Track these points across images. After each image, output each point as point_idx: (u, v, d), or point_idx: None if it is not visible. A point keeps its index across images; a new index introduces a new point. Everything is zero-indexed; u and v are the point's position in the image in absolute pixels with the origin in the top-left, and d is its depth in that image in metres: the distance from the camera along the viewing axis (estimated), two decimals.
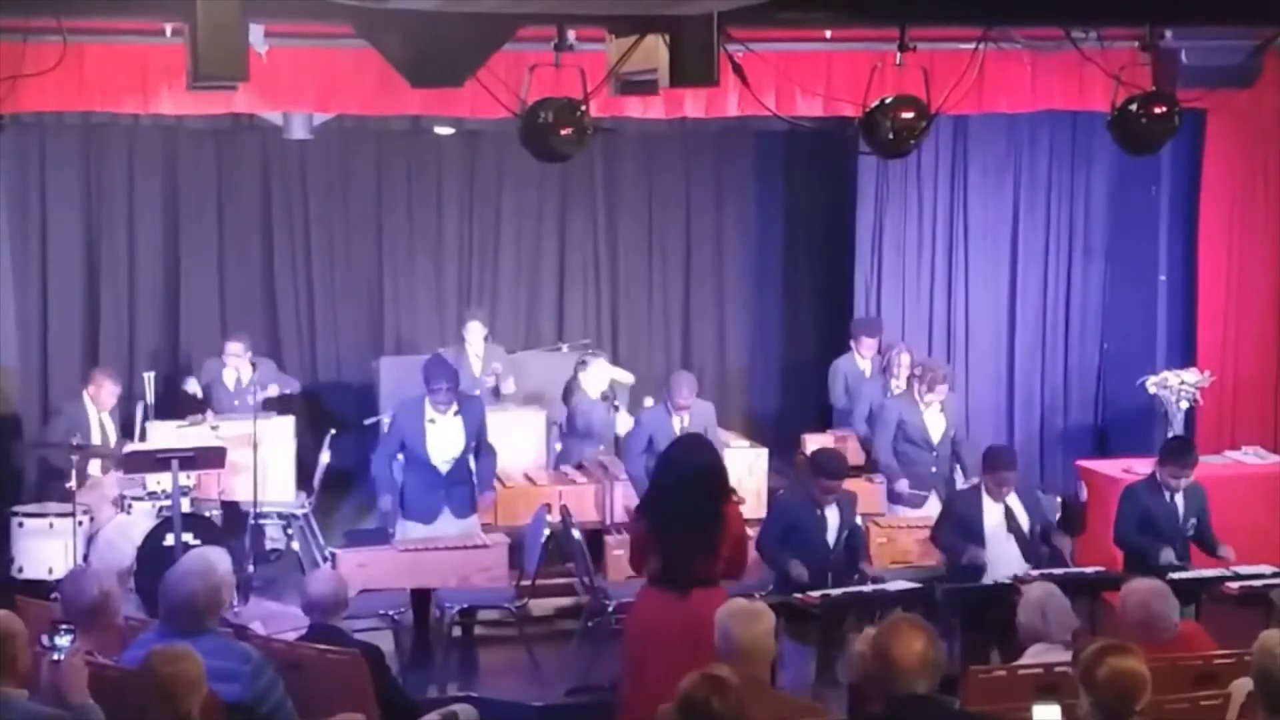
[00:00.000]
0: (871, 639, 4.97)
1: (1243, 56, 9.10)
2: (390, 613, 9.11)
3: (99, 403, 10.89)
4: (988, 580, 8.55)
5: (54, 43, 7.39)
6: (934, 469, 10.32)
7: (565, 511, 9.75)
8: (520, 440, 11.51)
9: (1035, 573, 8.31)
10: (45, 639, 5.00)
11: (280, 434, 11.32)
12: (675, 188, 14.31)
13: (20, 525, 10.09)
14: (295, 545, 10.90)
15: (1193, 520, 9.00)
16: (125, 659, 5.66)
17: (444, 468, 9.50)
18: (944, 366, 10.94)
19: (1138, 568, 8.42)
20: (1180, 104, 8.24)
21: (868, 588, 8.41)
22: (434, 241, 13.87)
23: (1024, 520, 8.86)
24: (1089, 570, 8.87)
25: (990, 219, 12.89)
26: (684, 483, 7.13)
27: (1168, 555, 8.75)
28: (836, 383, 12.15)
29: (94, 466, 10.62)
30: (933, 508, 9.94)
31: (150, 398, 11.51)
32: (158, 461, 9.85)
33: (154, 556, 9.46)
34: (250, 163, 13.36)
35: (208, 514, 10.26)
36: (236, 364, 11.60)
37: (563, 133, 7.24)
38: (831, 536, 8.60)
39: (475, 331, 11.99)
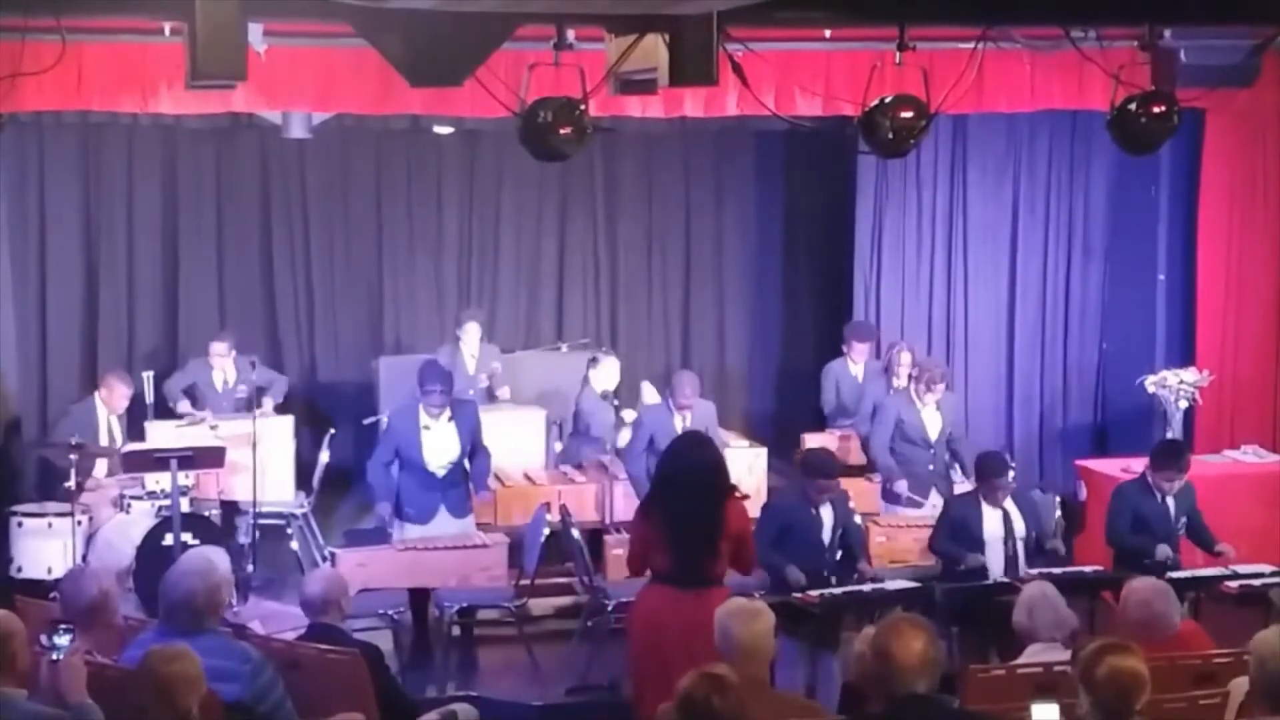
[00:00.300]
0: (871, 638, 4.97)
1: (1242, 56, 9.10)
2: (389, 612, 9.12)
3: (110, 405, 10.90)
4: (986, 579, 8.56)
5: (53, 42, 7.38)
6: (931, 467, 10.32)
7: (565, 511, 9.75)
8: (520, 440, 11.52)
9: (1034, 572, 8.32)
10: (44, 638, 5.01)
11: (279, 433, 11.32)
12: (675, 187, 14.31)
13: (19, 525, 10.09)
14: (294, 545, 10.90)
15: (1183, 519, 9.02)
16: (124, 658, 5.66)
17: (440, 472, 9.51)
18: (942, 366, 10.95)
19: (1130, 567, 8.43)
20: (1179, 103, 8.24)
21: (866, 587, 8.41)
22: (433, 241, 13.86)
23: (1020, 527, 8.86)
24: (1087, 570, 8.88)
25: (989, 218, 12.88)
26: (686, 480, 7.13)
27: (1164, 551, 8.76)
28: (828, 386, 12.15)
29: (100, 468, 10.62)
30: (931, 505, 9.95)
31: (150, 397, 11.51)
32: (157, 461, 9.85)
33: (153, 556, 9.45)
34: (249, 162, 13.36)
35: (207, 513, 10.26)
36: (222, 365, 11.57)
37: (562, 132, 7.25)
38: (826, 536, 8.60)
39: (472, 332, 11.99)
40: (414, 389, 10.33)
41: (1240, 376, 11.96)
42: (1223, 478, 10.68)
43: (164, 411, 11.55)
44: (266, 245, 13.55)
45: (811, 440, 11.58)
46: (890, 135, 7.83)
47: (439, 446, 9.48)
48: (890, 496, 10.42)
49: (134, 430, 11.26)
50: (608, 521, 10.43)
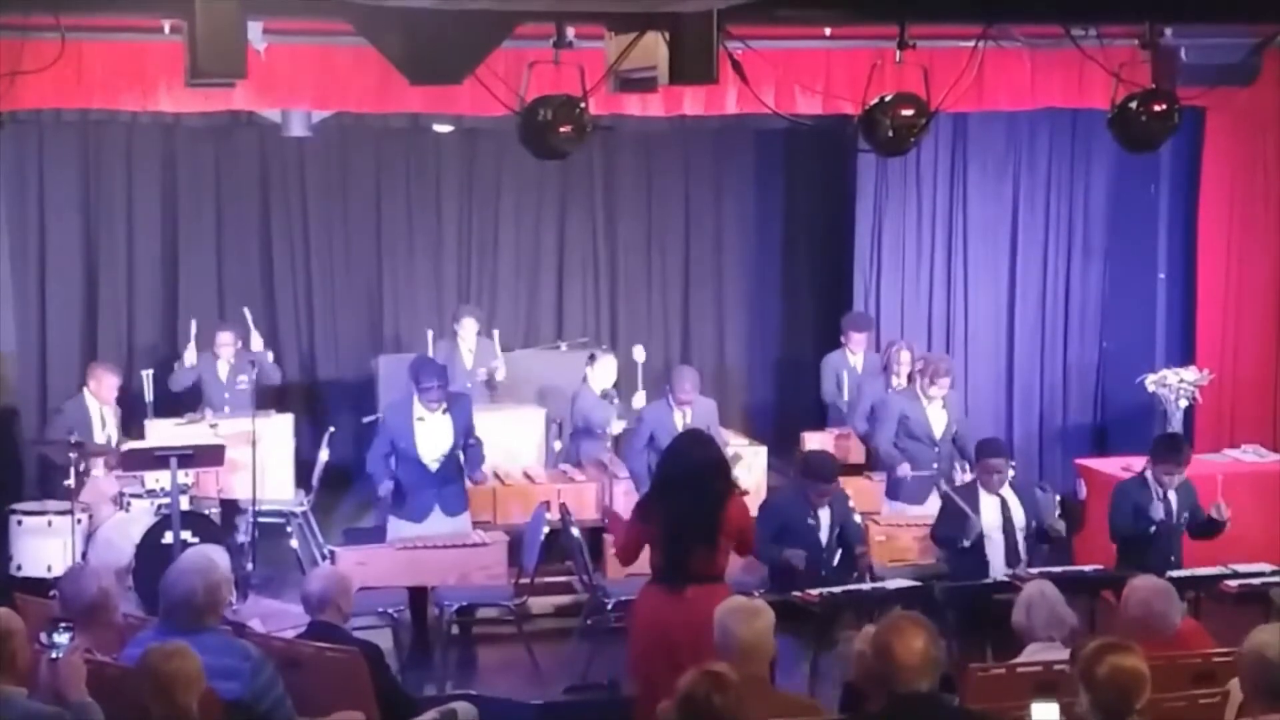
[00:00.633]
0: (873, 637, 4.97)
1: (1242, 54, 9.10)
2: (389, 611, 9.11)
3: (100, 397, 10.89)
4: (987, 577, 8.56)
5: (52, 40, 7.39)
6: (936, 465, 10.31)
7: (564, 510, 9.75)
8: (519, 438, 11.51)
9: (1034, 571, 8.32)
10: (44, 637, 5.01)
11: (279, 432, 11.31)
12: (674, 186, 14.31)
13: (19, 523, 10.09)
14: (294, 543, 10.90)
15: (1185, 515, 9.03)
16: (124, 657, 5.66)
17: (434, 466, 9.50)
18: (947, 360, 10.94)
19: (1133, 564, 8.43)
20: (1180, 102, 8.25)
21: (866, 586, 8.41)
22: (433, 239, 13.86)
23: (1019, 517, 8.87)
24: (1087, 568, 8.88)
25: (989, 217, 12.88)
26: (687, 479, 7.13)
27: (1157, 511, 8.77)
28: (828, 378, 12.16)
29: (98, 466, 10.61)
30: (933, 505, 9.94)
31: (149, 395, 11.51)
32: (156, 459, 9.84)
33: (153, 554, 9.45)
34: (249, 160, 13.35)
35: (206, 512, 10.25)
36: (227, 355, 11.59)
37: (562, 130, 7.25)
38: (824, 537, 8.60)
39: (468, 327, 11.99)
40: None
41: (1240, 375, 11.96)
42: (1222, 477, 10.66)
43: (164, 410, 11.54)
44: (266, 243, 13.55)
45: (811, 439, 11.59)
46: (890, 133, 7.83)
47: (433, 439, 9.48)
48: (893, 491, 10.42)
49: (133, 427, 11.25)
50: (602, 513, 10.42)
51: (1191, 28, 8.88)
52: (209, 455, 10.09)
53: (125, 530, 9.99)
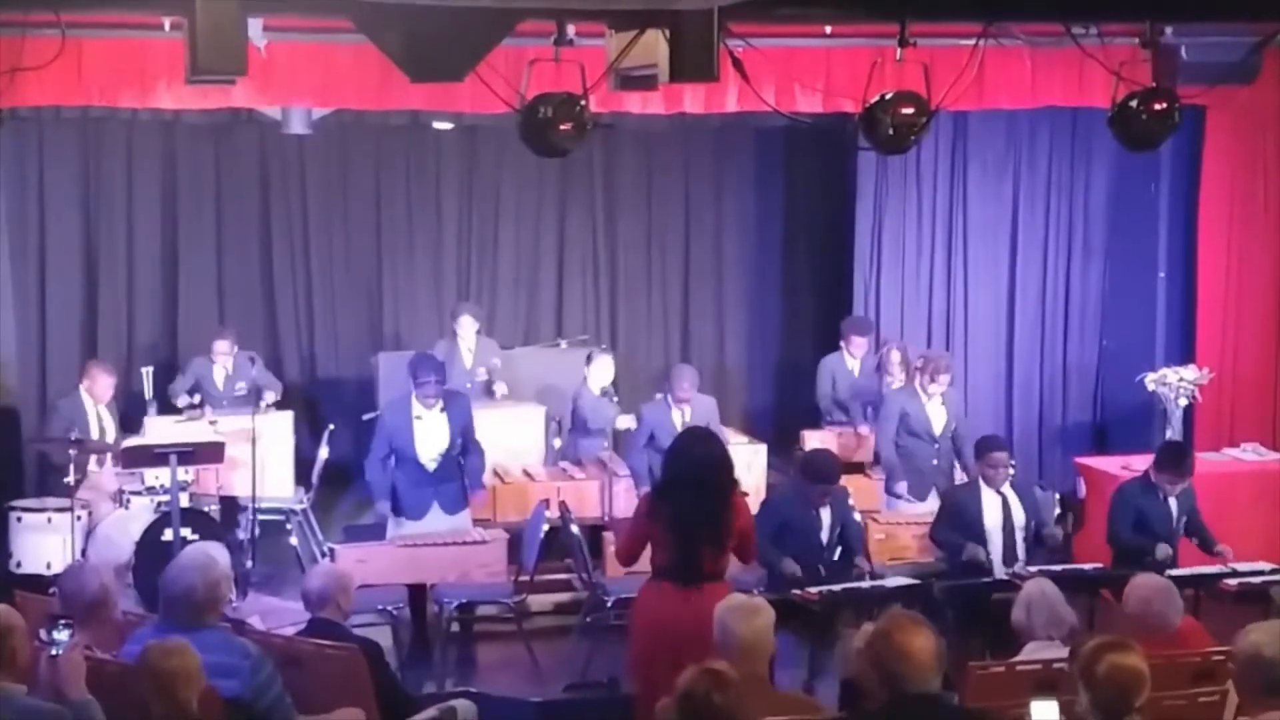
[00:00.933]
0: (879, 636, 4.95)
1: (1243, 53, 9.08)
2: (389, 608, 9.11)
3: (95, 395, 10.89)
4: (987, 575, 8.57)
5: (52, 37, 7.39)
6: (935, 461, 10.32)
7: (564, 507, 9.75)
8: (519, 436, 11.52)
9: (1033, 569, 8.32)
10: (44, 634, 5.01)
11: (279, 429, 11.32)
12: (674, 184, 14.31)
13: (19, 520, 10.09)
14: (294, 541, 10.90)
15: (1183, 519, 9.03)
16: (124, 654, 5.66)
17: (431, 465, 9.49)
18: (946, 357, 10.95)
19: (1130, 565, 8.43)
20: (1180, 100, 8.24)
21: (865, 584, 8.41)
22: (433, 236, 13.86)
23: (1019, 516, 8.88)
24: (1087, 567, 8.88)
25: (990, 216, 12.88)
26: (692, 477, 7.13)
27: (1164, 551, 8.76)
28: (823, 379, 12.16)
29: (93, 462, 10.61)
30: (933, 503, 9.95)
31: (149, 393, 11.51)
32: (156, 456, 9.84)
33: (152, 551, 9.44)
34: (249, 157, 13.35)
35: (206, 509, 10.24)
36: (225, 362, 11.57)
37: (562, 128, 7.25)
38: (825, 535, 8.59)
39: (467, 325, 11.98)
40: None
41: (1240, 374, 11.96)
42: (1223, 476, 10.67)
43: (164, 407, 11.54)
44: (266, 241, 13.55)
45: (811, 438, 11.60)
46: (891, 132, 7.83)
47: (430, 437, 9.47)
48: (893, 493, 10.44)
49: (133, 425, 11.25)
50: (607, 518, 10.42)
51: (1192, 26, 8.88)
52: (209, 452, 10.09)
53: (125, 527, 9.99)
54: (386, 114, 12.01)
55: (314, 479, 11.23)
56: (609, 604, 9.13)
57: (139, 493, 10.20)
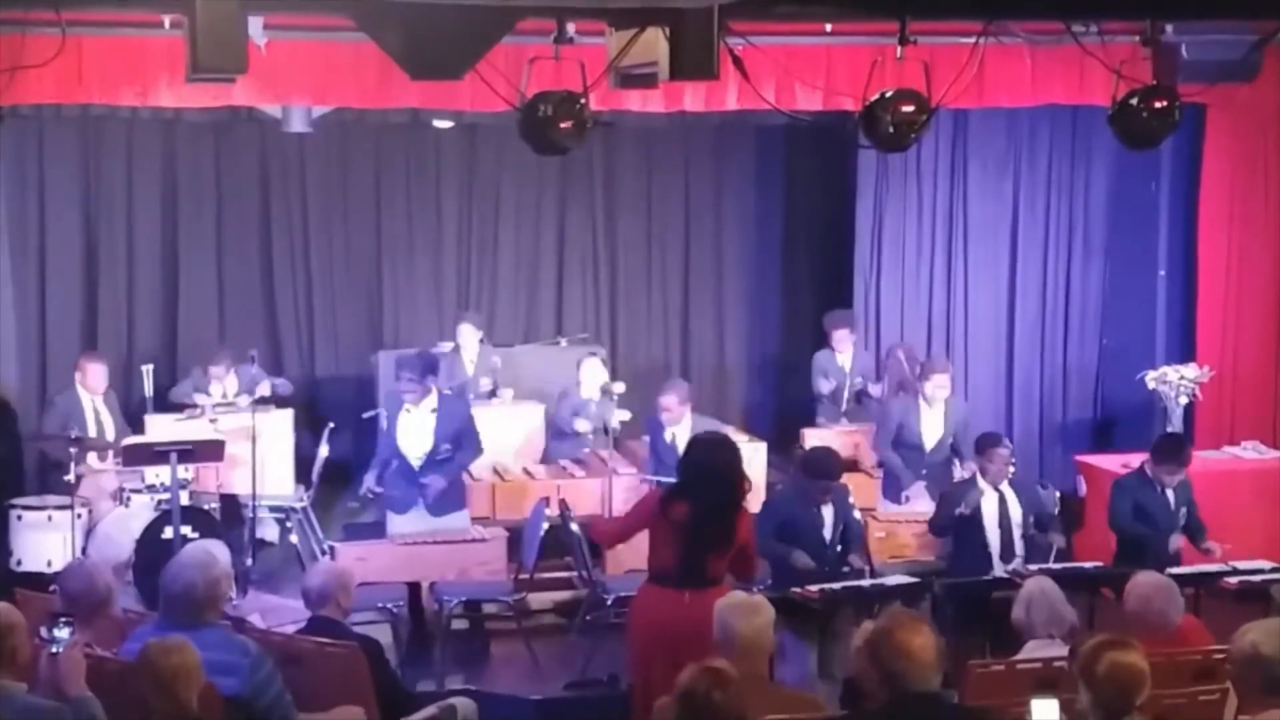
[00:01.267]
0: (880, 635, 4.95)
1: (1243, 51, 9.08)
2: (389, 606, 9.11)
3: (89, 387, 10.87)
4: (988, 572, 8.57)
5: (53, 35, 7.38)
6: (924, 471, 10.35)
7: (564, 505, 9.75)
8: (519, 435, 11.53)
9: (1034, 568, 8.33)
10: (44, 631, 5.01)
11: (279, 428, 11.32)
12: (674, 182, 14.30)
13: (19, 518, 10.09)
14: (294, 539, 10.89)
15: (1183, 510, 9.04)
16: (124, 651, 5.66)
17: (416, 463, 9.50)
18: (943, 359, 10.99)
19: (1132, 558, 8.44)
20: (1180, 98, 8.24)
21: (865, 582, 8.41)
22: (433, 234, 13.86)
23: (1016, 513, 8.88)
24: (1087, 565, 8.88)
25: (990, 215, 12.87)
26: (711, 480, 7.15)
27: (1175, 544, 8.78)
28: (816, 374, 12.19)
29: (92, 458, 10.61)
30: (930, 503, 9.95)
31: (149, 390, 11.50)
32: (156, 454, 9.83)
33: (153, 549, 9.44)
34: (249, 155, 13.35)
35: (206, 507, 10.24)
36: (222, 383, 11.46)
37: (562, 126, 7.25)
38: (828, 534, 8.59)
39: (468, 334, 11.98)
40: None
41: (1240, 372, 11.96)
42: (1223, 474, 10.67)
43: (164, 405, 11.53)
44: (266, 239, 13.55)
45: (811, 435, 11.60)
46: (891, 130, 7.82)
47: (414, 435, 9.48)
48: (892, 495, 10.45)
49: (137, 422, 11.24)
50: (607, 516, 10.42)
51: (1192, 24, 8.88)
52: (209, 450, 10.09)
53: (125, 525, 9.99)
54: (387, 112, 11.99)
55: (314, 477, 11.23)
56: (609, 602, 9.13)
57: (139, 491, 10.20)
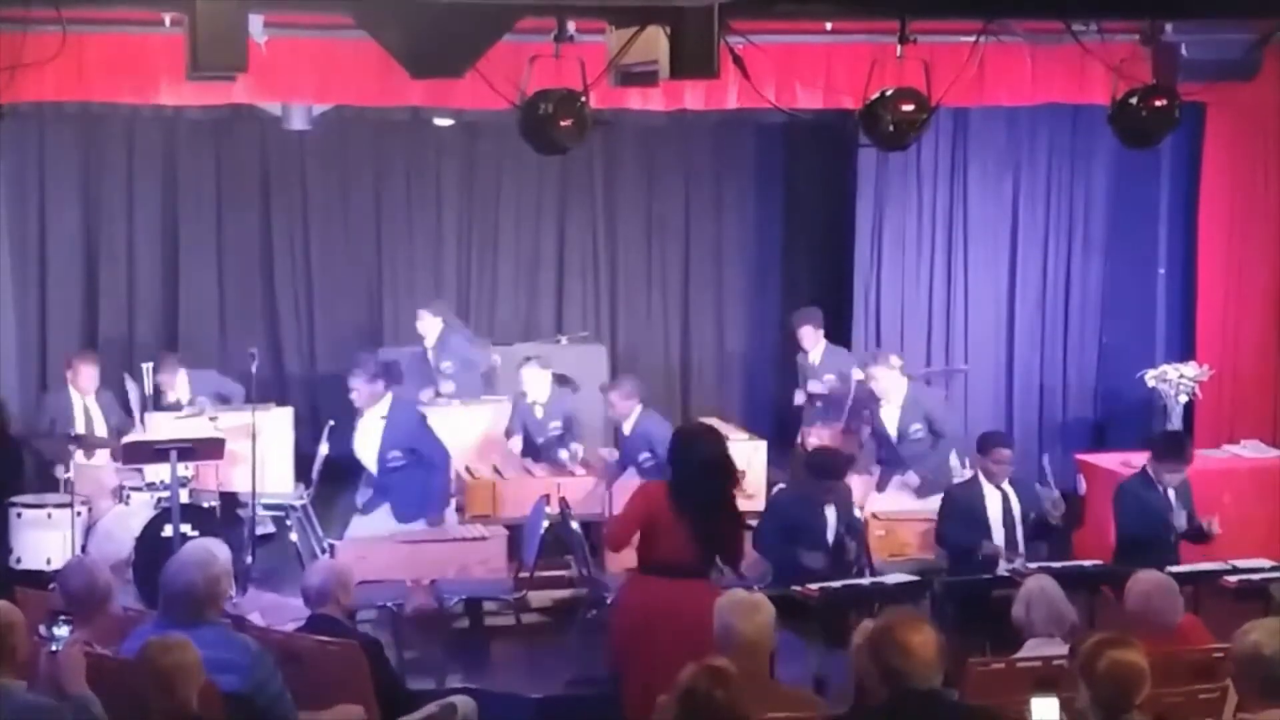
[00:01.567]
0: (882, 633, 4.95)
1: (1243, 50, 9.08)
2: (389, 604, 9.11)
3: (79, 387, 10.87)
4: (994, 570, 8.58)
5: (53, 33, 7.38)
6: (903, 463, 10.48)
7: (564, 503, 9.76)
8: (476, 434, 11.52)
9: (1034, 566, 8.33)
10: (43, 629, 5.01)
11: (279, 425, 11.31)
12: (674, 180, 14.30)
13: (19, 516, 10.08)
14: (294, 537, 10.89)
15: (1184, 512, 9.03)
16: (123, 649, 5.66)
17: (371, 466, 9.56)
18: (883, 354, 11.19)
19: (1133, 560, 8.44)
20: (1180, 97, 8.24)
21: (865, 581, 8.41)
22: (433, 232, 13.86)
23: (1017, 509, 8.89)
24: (1087, 564, 8.89)
25: (990, 213, 12.87)
26: (705, 469, 7.15)
27: (1179, 517, 8.79)
28: (801, 379, 12.19)
29: (80, 455, 10.57)
30: (931, 501, 9.95)
31: (149, 388, 11.49)
32: (156, 452, 9.83)
33: (152, 547, 9.44)
34: (249, 153, 13.36)
35: (206, 505, 10.24)
36: (179, 389, 11.34)
37: (562, 124, 7.25)
38: (831, 534, 8.60)
39: (428, 322, 11.94)
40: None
41: (1240, 371, 11.96)
42: (1222, 472, 10.67)
43: (163, 404, 11.52)
44: (266, 236, 13.55)
45: (811, 433, 11.60)
46: (891, 128, 7.82)
47: (365, 438, 9.58)
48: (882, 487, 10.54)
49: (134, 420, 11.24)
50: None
51: (1192, 23, 8.87)
52: (209, 448, 10.07)
53: (125, 523, 9.99)
54: (387, 110, 11.97)
55: (314, 475, 11.22)
56: (609, 600, 9.12)
57: (139, 488, 10.21)
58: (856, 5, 8.09)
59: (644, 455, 10.36)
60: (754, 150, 14.28)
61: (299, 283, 13.63)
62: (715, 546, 7.15)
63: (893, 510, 10.38)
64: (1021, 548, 8.87)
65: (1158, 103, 8.10)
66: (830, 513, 8.58)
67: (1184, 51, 9.03)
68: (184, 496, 9.89)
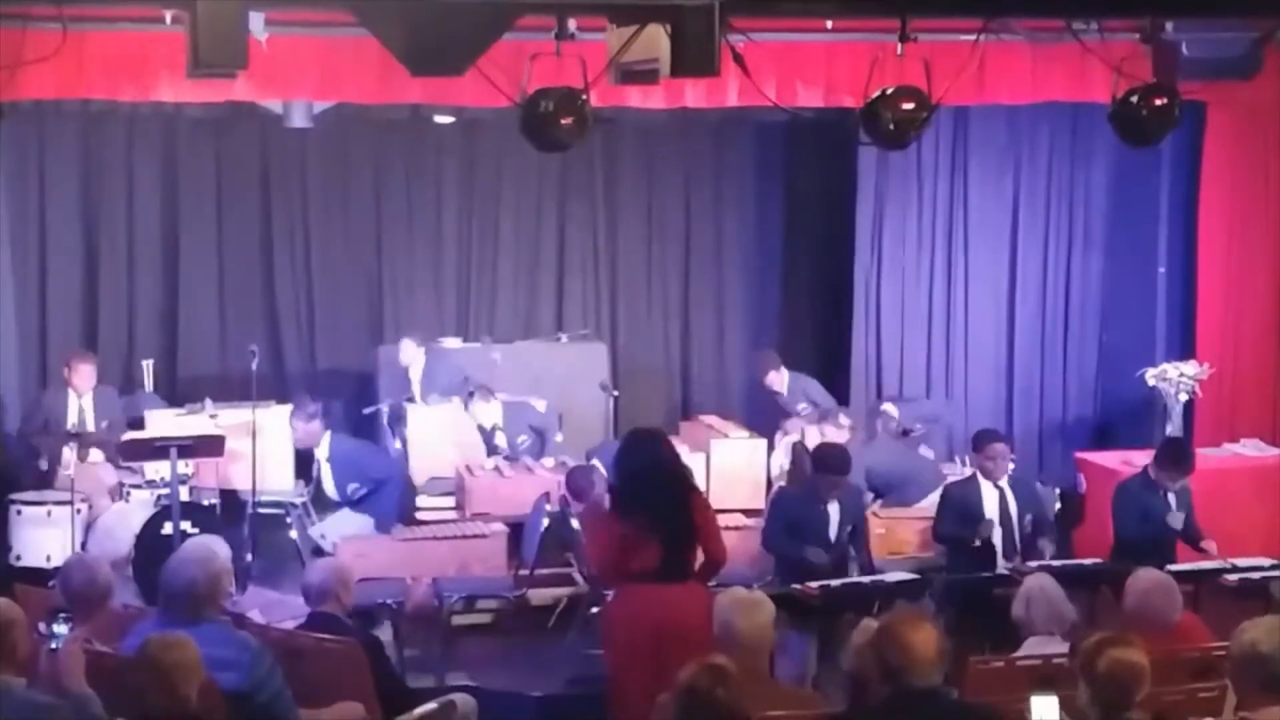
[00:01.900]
0: (883, 632, 4.95)
1: (1243, 48, 9.09)
2: (389, 602, 9.10)
3: (75, 386, 10.87)
4: (993, 569, 8.58)
5: (53, 30, 7.37)
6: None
7: (564, 502, 9.74)
8: (448, 435, 11.51)
9: (1034, 565, 8.33)
10: (43, 627, 5.02)
11: (279, 423, 11.31)
12: (675, 178, 14.29)
13: (19, 513, 10.09)
14: (293, 534, 10.89)
15: (1182, 515, 9.03)
16: (123, 647, 5.66)
17: (338, 498, 9.89)
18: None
19: (1132, 559, 8.43)
20: (1180, 96, 8.24)
21: (865, 579, 8.41)
22: (433, 230, 13.85)
23: (1014, 508, 8.89)
24: (1087, 562, 8.89)
25: (990, 212, 12.88)
26: (653, 474, 7.13)
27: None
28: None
29: (68, 451, 10.58)
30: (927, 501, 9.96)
31: (149, 385, 11.49)
32: (156, 450, 9.84)
33: (152, 545, 9.44)
34: (250, 151, 13.34)
35: (206, 502, 10.25)
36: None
37: (563, 122, 7.25)
38: (833, 531, 8.60)
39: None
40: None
41: (1240, 370, 11.96)
42: (1223, 471, 10.67)
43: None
44: (266, 234, 13.54)
45: (810, 432, 11.58)
46: (892, 126, 7.82)
47: (323, 477, 9.75)
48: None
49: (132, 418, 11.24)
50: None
51: (1192, 21, 8.87)
52: (209, 446, 10.09)
53: (125, 520, 10.00)
54: (387, 108, 11.96)
55: (314, 473, 11.22)
56: (609, 598, 9.11)
57: (139, 486, 10.22)
58: (857, 3, 8.09)
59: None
60: (754, 148, 14.27)
61: (299, 280, 13.61)
62: (681, 548, 7.10)
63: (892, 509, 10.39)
64: (1018, 546, 8.86)
65: (1158, 101, 8.10)
66: (833, 509, 8.58)
67: (1184, 50, 9.02)
68: (184, 494, 9.90)
